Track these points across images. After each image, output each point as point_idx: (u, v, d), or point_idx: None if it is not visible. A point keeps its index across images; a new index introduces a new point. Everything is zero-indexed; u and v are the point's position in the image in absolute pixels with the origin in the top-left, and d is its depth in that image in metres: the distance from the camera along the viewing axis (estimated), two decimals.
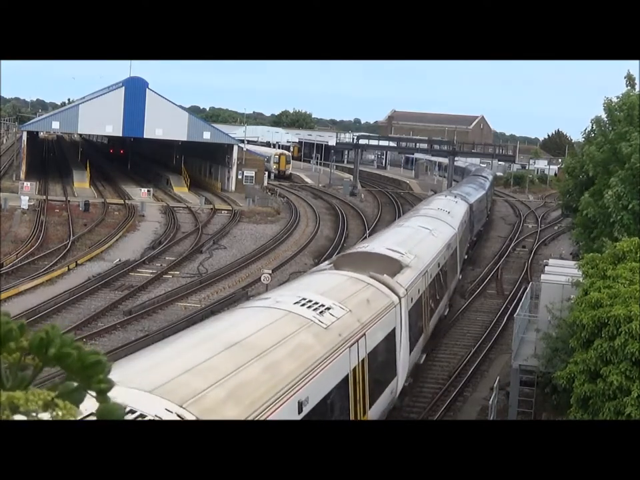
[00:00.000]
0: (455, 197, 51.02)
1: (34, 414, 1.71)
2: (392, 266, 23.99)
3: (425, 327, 26.90)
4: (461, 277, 41.65)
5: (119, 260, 44.99)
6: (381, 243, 28.12)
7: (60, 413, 1.71)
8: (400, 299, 21.52)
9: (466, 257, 47.31)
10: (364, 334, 17.89)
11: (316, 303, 17.30)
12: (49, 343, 1.75)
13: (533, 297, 28.33)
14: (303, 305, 16.92)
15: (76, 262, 43.31)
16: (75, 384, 1.76)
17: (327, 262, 26.01)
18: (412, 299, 23.42)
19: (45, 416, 1.73)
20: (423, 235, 32.02)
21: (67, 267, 42.01)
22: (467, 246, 47.91)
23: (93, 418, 1.77)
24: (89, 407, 1.81)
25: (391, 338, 20.73)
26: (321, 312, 16.93)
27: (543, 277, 26.87)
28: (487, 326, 36.44)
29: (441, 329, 33.02)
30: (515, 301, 37.85)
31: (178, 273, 43.63)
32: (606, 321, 18.30)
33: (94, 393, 1.76)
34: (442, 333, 33.54)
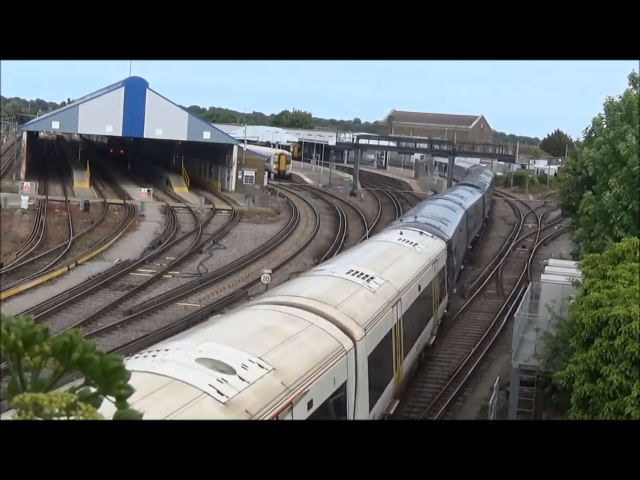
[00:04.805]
0: (421, 232, 30.07)
1: (55, 417, 1.72)
2: None
3: None
4: None
5: (119, 260, 44.99)
6: None
7: (82, 416, 1.71)
8: None
9: (432, 350, 29.08)
10: None
11: None
12: (72, 347, 1.76)
13: (533, 296, 28.33)
14: None
15: (76, 262, 43.30)
16: (93, 389, 1.77)
17: None
18: None
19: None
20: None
21: (67, 267, 42.00)
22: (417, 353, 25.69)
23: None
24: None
25: None
26: None
27: (542, 276, 26.87)
28: (486, 326, 36.46)
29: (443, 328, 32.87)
30: (515, 301, 37.86)
31: (178, 272, 43.62)
32: (606, 320, 18.31)
33: (113, 399, 1.76)
34: (442, 333, 33.51)
